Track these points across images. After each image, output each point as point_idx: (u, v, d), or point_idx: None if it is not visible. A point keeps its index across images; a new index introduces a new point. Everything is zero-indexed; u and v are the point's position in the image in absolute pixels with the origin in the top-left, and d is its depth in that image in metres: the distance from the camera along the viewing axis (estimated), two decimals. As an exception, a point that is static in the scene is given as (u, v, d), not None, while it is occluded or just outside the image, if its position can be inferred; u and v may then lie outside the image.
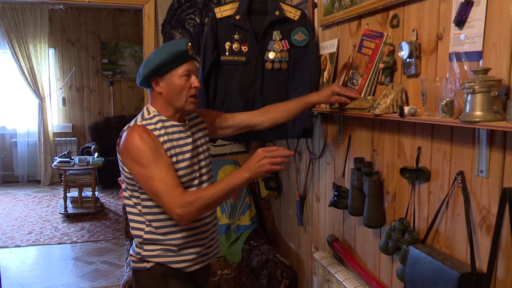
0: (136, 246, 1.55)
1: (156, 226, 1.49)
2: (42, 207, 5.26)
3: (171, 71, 1.47)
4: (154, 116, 1.52)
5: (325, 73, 2.01)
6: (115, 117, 6.52)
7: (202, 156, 1.60)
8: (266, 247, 2.60)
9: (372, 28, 1.68)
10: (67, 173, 4.93)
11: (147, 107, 1.56)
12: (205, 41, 2.18)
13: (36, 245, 4.13)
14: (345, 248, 1.90)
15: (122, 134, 1.51)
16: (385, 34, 1.58)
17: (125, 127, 1.53)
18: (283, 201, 2.74)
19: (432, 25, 1.35)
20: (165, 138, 1.49)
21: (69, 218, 4.86)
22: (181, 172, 1.49)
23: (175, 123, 1.54)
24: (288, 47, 2.16)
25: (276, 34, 2.15)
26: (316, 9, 2.13)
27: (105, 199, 5.59)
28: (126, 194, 1.54)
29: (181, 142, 1.53)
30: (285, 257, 2.52)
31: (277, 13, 2.12)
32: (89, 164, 5.01)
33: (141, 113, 1.56)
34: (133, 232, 1.54)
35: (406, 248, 1.37)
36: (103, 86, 6.68)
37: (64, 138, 6.56)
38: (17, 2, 5.83)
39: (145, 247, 1.52)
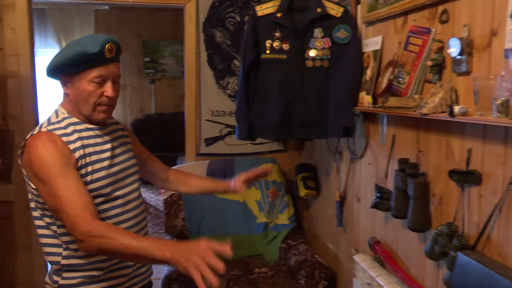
0: (53, 273, 1.32)
1: (75, 249, 1.27)
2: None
3: (79, 73, 1.24)
4: (64, 119, 1.29)
5: (368, 71, 1.96)
6: (155, 114, 6.67)
7: (126, 172, 1.37)
8: (304, 247, 2.58)
9: (419, 24, 1.61)
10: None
11: (56, 109, 1.33)
12: (246, 39, 2.18)
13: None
14: (387, 251, 1.84)
15: (24, 143, 1.26)
16: (433, 30, 1.52)
17: (28, 135, 1.27)
18: (321, 201, 2.71)
19: (486, 20, 1.28)
20: (78, 144, 1.26)
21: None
22: (98, 184, 1.27)
23: (90, 126, 1.32)
24: (330, 45, 2.12)
25: (318, 32, 2.12)
26: (359, 5, 2.07)
27: (146, 194, 5.73)
28: (36, 214, 1.30)
29: (98, 148, 1.30)
30: (323, 258, 2.48)
31: (319, 10, 2.08)
32: (130, 160, 5.15)
33: (49, 116, 1.32)
34: (48, 258, 1.31)
35: (454, 254, 1.31)
36: (144, 84, 6.84)
37: (107, 135, 6.78)
38: (65, 3, 6.07)
39: (64, 274, 1.30)
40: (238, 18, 3.19)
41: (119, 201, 1.33)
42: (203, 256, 1.00)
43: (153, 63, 6.83)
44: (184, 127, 3.24)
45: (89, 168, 1.26)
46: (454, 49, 1.36)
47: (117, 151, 1.37)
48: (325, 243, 2.65)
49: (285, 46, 2.13)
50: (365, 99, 1.93)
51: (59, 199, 1.16)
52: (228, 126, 3.20)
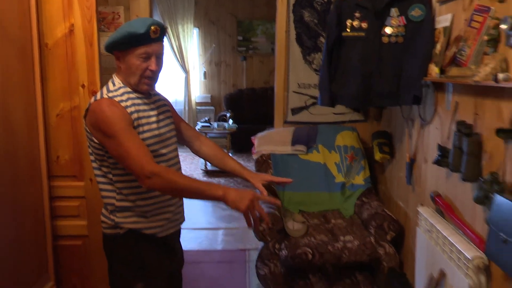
0: (110, 213, 1.60)
1: (127, 194, 1.56)
2: (187, 164, 6.27)
3: (130, 49, 1.49)
4: (120, 88, 1.55)
5: (438, 45, 2.21)
6: (246, 89, 7.25)
7: (168, 135, 1.64)
8: (376, 203, 2.92)
9: (482, 3, 1.84)
10: (207, 136, 5.79)
11: (112, 78, 1.59)
12: (330, 19, 2.53)
13: (183, 192, 5.05)
14: (446, 202, 2.13)
15: (88, 107, 1.53)
16: (492, 8, 1.74)
17: (92, 100, 1.54)
18: (395, 165, 3.00)
19: (534, 0, 1.50)
20: (133, 109, 1.52)
21: (208, 173, 5.75)
22: (148, 142, 1.53)
23: (139, 95, 1.58)
24: (405, 23, 2.39)
25: (394, 11, 2.40)
26: (435, -14, 2.30)
27: (239, 160, 6.37)
28: (95, 165, 1.58)
29: (146, 113, 1.56)
30: (394, 215, 2.80)
31: (398, -9, 2.36)
32: (225, 129, 5.80)
33: (106, 85, 1.58)
34: (105, 200, 1.60)
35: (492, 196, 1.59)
36: (237, 61, 7.43)
37: (204, 107, 7.53)
38: (171, -11, 6.80)
39: (118, 214, 1.58)
40: (325, -1, 3.50)
41: (164, 158, 1.60)
42: (254, 202, 1.36)
43: (246, 41, 7.37)
44: (273, 101, 3.69)
45: (140, 129, 1.53)
46: (506, 25, 1.59)
47: (161, 117, 1.64)
48: (396, 202, 2.96)
49: (364, 25, 2.45)
50: (434, 70, 2.19)
51: (125, 148, 1.42)
52: (312, 97, 3.57)
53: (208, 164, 5.88)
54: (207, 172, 5.77)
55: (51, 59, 2.14)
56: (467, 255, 1.79)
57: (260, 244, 2.82)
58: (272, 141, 3.38)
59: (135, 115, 1.52)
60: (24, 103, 2.00)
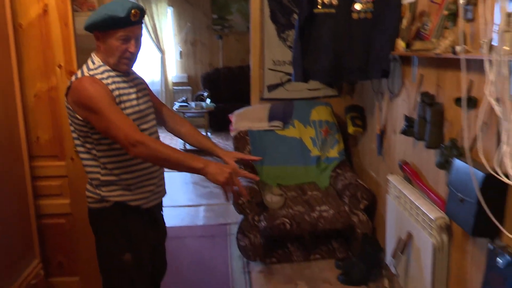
0: (95, 188, 1.64)
1: (111, 168, 1.61)
2: (166, 143, 6.29)
3: (109, 31, 1.52)
4: (99, 66, 1.58)
5: (404, 21, 2.31)
6: (223, 68, 7.25)
7: (147, 111, 1.69)
8: (350, 174, 3.05)
9: (443, -20, 1.94)
10: (185, 115, 5.82)
11: (91, 57, 1.62)
12: (301, -4, 2.59)
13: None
14: (412, 169, 2.27)
15: (70, 85, 1.56)
16: (452, -16, 1.85)
17: (73, 78, 1.57)
18: (367, 138, 3.14)
19: (488, -24, 1.60)
20: (113, 86, 1.56)
21: (187, 152, 5.80)
22: (130, 118, 1.57)
23: (119, 73, 1.62)
24: (374, -1, 2.48)
25: (362, -13, 2.48)
26: (401, -38, 2.38)
27: (215, 139, 6.44)
28: (78, 142, 1.62)
29: (126, 91, 1.61)
30: (367, 184, 2.94)
31: (364, -32, 2.43)
32: (203, 108, 5.84)
33: (86, 63, 1.61)
34: (90, 176, 1.65)
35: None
36: (213, 39, 7.40)
37: (181, 87, 7.51)
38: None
39: (103, 188, 1.63)
40: (297, -24, 3.55)
41: (145, 133, 1.63)
42: (235, 176, 1.42)
43: (221, 20, 7.33)
44: (249, 79, 3.74)
45: (122, 106, 1.58)
46: (462, 0, 1.70)
47: (139, 94, 1.68)
48: (368, 172, 3.11)
49: (334, 1, 2.53)
50: (400, 44, 2.29)
51: (111, 122, 1.46)
52: (287, 74, 3.65)
53: (187, 144, 5.94)
54: (186, 151, 5.81)
55: (26, 39, 2.14)
56: (430, 216, 1.94)
57: (240, 218, 2.94)
58: (249, 118, 3.47)
59: (116, 93, 1.57)
60: (0, 84, 2.01)
